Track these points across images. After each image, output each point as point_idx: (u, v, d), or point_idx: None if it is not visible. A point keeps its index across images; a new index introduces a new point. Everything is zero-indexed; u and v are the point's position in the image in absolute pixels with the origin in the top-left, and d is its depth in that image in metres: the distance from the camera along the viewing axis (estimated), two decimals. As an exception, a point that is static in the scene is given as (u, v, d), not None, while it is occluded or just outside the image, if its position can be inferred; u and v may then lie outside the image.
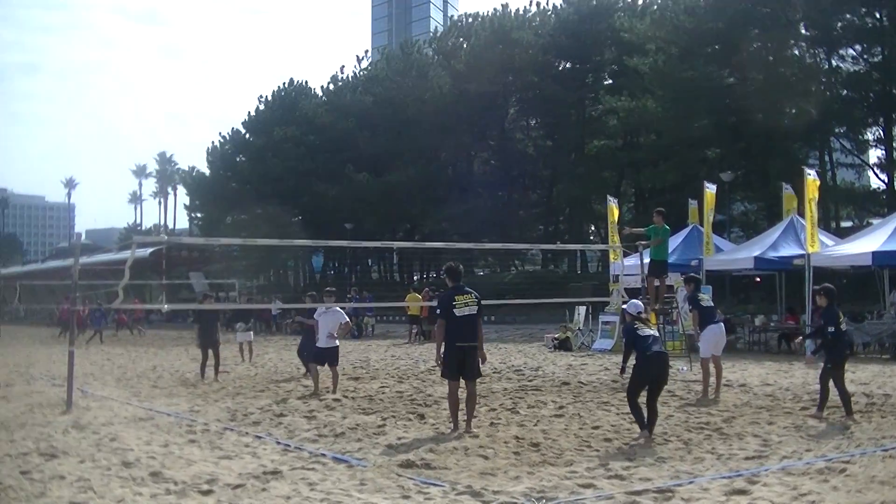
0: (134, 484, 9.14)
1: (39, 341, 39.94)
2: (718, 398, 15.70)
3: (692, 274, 20.14)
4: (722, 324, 17.33)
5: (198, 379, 20.85)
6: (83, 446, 11.38)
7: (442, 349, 12.76)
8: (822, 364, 13.77)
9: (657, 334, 12.79)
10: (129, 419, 14.09)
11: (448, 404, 13.01)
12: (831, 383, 13.40)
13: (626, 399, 12.39)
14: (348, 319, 19.76)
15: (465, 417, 12.63)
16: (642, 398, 11.76)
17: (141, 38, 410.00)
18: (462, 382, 12.68)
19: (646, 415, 11.75)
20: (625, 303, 15.57)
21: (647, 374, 11.73)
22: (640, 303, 13.06)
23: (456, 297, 12.59)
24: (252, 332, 27.45)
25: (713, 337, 16.45)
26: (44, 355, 29.78)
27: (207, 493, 8.77)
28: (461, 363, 12.54)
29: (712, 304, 17.63)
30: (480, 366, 12.97)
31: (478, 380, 12.80)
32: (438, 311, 13.09)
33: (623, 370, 12.47)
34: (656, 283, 21.46)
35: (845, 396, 13.38)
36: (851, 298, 28.26)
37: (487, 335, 38.69)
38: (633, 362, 11.94)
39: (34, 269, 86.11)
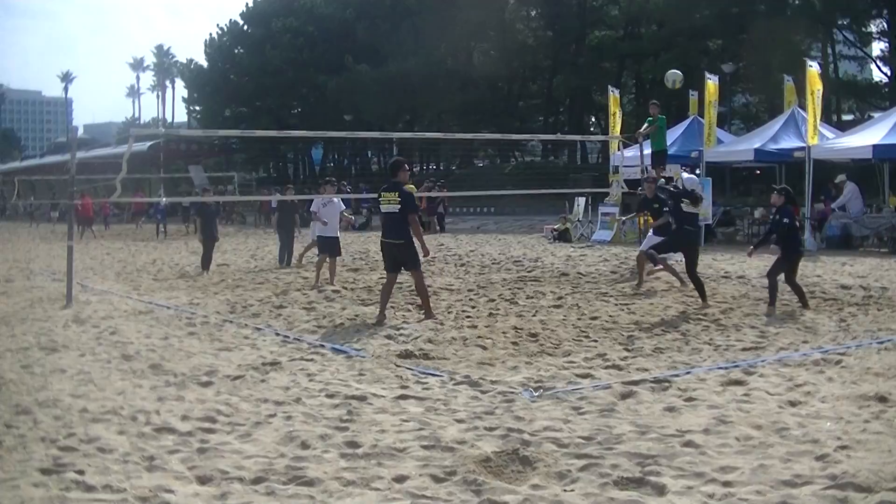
0: (134, 376, 9.18)
1: (39, 237, 39.97)
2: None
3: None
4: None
5: (198, 272, 20.91)
6: (83, 340, 11.41)
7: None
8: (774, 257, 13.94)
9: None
10: (129, 313, 14.12)
11: (381, 293, 13.43)
12: (781, 278, 13.55)
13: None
14: (347, 210, 19.90)
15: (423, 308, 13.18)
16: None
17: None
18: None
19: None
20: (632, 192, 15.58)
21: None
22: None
23: (382, 195, 12.99)
24: None
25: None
26: (44, 251, 29.82)
27: (207, 384, 8.81)
28: (392, 257, 13.16)
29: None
30: (427, 257, 14.18)
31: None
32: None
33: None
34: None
35: (798, 291, 13.67)
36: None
37: (487, 226, 39.22)
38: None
39: (32, 164, 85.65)
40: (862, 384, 8.33)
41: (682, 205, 13.96)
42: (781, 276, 13.42)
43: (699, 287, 13.90)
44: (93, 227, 39.98)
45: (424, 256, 13.67)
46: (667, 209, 15.32)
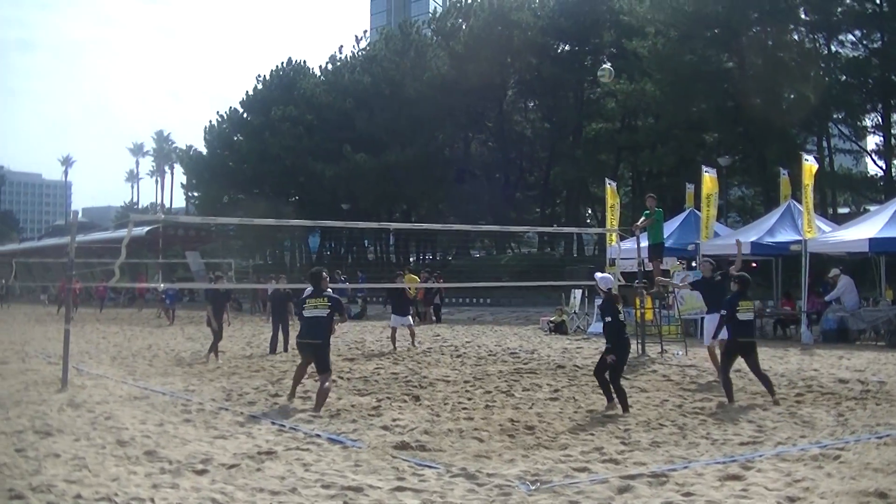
0: (129, 463, 9.14)
1: (35, 319, 39.94)
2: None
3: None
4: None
5: (194, 358, 20.85)
6: (78, 424, 11.37)
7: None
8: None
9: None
10: (125, 398, 14.09)
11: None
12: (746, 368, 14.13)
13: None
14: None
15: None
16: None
17: (139, 15, 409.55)
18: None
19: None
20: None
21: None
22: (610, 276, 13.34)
23: (308, 301, 13.83)
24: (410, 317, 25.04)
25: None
26: (39, 333, 29.78)
27: (202, 472, 8.76)
28: (309, 356, 13.79)
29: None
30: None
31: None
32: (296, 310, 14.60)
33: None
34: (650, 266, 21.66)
35: (762, 379, 13.80)
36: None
37: (483, 317, 38.97)
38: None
39: (30, 246, 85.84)
40: (861, 480, 8.29)
41: (617, 315, 13.23)
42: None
43: (622, 395, 12.93)
44: (77, 309, 39.84)
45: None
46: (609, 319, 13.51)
